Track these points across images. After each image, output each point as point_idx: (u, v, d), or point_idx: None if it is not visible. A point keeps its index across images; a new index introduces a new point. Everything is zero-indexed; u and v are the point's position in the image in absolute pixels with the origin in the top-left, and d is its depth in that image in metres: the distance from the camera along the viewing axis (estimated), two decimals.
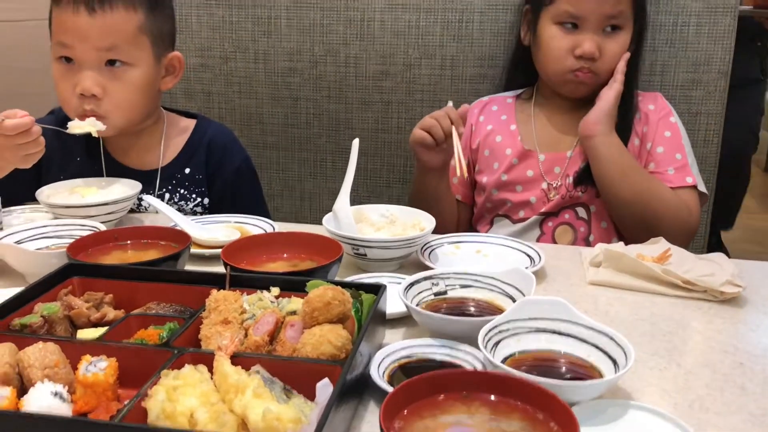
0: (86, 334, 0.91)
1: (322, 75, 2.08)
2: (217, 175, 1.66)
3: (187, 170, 1.63)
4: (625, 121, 1.61)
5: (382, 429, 0.65)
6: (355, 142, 1.32)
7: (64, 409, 0.74)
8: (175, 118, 1.70)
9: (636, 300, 1.15)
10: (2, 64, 1.91)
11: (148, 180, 1.56)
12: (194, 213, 1.62)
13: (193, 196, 1.62)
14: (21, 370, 0.79)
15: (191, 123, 1.70)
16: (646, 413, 0.80)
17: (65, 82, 1.47)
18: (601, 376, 0.85)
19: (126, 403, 0.73)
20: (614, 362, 0.85)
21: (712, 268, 1.20)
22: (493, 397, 0.74)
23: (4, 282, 1.15)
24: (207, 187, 1.65)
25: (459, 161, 1.40)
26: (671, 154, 1.61)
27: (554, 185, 1.63)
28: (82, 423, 0.70)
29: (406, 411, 0.72)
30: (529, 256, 1.28)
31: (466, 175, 1.44)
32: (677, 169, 1.59)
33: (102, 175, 1.57)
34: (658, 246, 1.29)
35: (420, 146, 1.50)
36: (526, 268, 1.19)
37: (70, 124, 1.43)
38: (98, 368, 0.78)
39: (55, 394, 0.75)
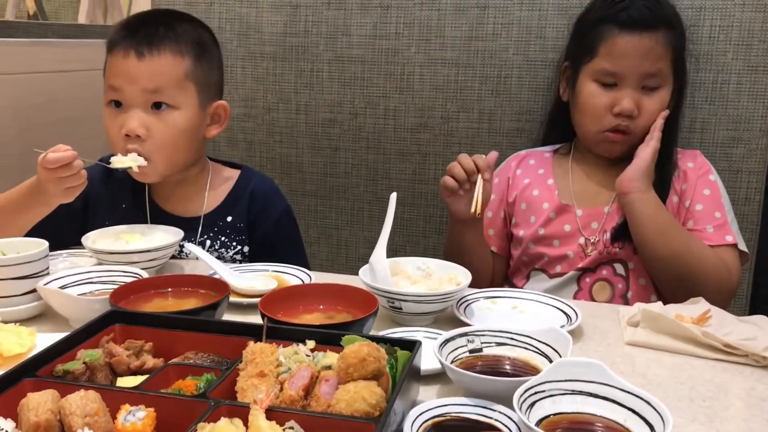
0: (126, 381, 0.93)
1: (362, 126, 2.12)
2: (258, 223, 1.68)
3: (229, 218, 1.65)
4: (663, 177, 1.61)
5: None
6: (393, 195, 1.33)
7: None
8: (219, 168, 1.74)
9: (675, 362, 1.13)
10: (54, 113, 1.99)
11: (190, 227, 1.59)
12: (234, 260, 1.65)
13: (234, 243, 1.65)
14: (62, 418, 0.81)
15: (235, 173, 1.74)
16: None
17: (113, 124, 1.52)
18: None
19: None
20: (651, 428, 0.84)
21: (754, 332, 1.18)
22: None
23: (48, 326, 1.18)
24: (248, 235, 1.67)
25: (476, 201, 1.45)
26: (710, 212, 1.59)
27: (592, 240, 1.63)
28: None
29: None
30: (565, 313, 1.27)
31: (479, 212, 1.47)
32: (716, 227, 1.57)
33: (146, 222, 1.61)
34: (697, 306, 1.27)
35: (446, 191, 1.54)
36: (563, 326, 1.18)
37: (113, 159, 1.48)
38: (137, 417, 0.80)
39: None
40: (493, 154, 1.51)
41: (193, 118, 1.56)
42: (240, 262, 1.61)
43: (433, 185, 2.12)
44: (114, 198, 1.62)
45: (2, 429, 0.78)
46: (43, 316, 1.23)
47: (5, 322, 1.11)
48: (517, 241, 1.73)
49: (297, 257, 1.67)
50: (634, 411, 0.87)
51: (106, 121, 1.55)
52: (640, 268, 1.61)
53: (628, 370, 1.10)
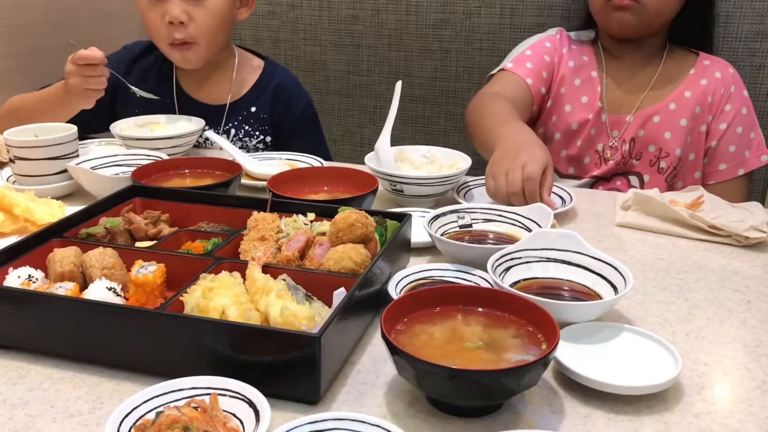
0: (143, 246, 1.03)
1: (384, 23, 2.14)
2: (282, 116, 1.75)
3: (254, 108, 1.72)
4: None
5: (382, 329, 0.74)
6: (398, 84, 1.38)
7: (117, 302, 0.86)
8: (246, 54, 1.79)
9: (659, 242, 1.19)
10: (90, 8, 2.05)
11: (216, 114, 1.67)
12: (257, 149, 1.73)
13: (257, 133, 1.72)
14: (84, 270, 0.92)
15: (260, 63, 1.79)
16: (639, 337, 0.86)
17: (153, 13, 1.57)
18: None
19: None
20: (616, 290, 0.91)
21: (743, 215, 1.22)
22: (488, 311, 0.81)
23: (78, 202, 1.29)
24: (271, 127, 1.75)
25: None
26: (746, 133, 1.60)
27: (611, 145, 1.64)
28: (127, 309, 0.82)
29: (406, 318, 0.80)
30: (561, 198, 1.33)
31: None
32: (753, 149, 1.59)
33: (173, 108, 1.69)
34: (693, 193, 1.31)
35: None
36: (557, 208, 1.24)
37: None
38: (148, 270, 0.90)
39: (110, 289, 0.87)
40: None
41: (228, 1, 1.61)
42: (263, 152, 1.69)
43: (454, 82, 2.15)
44: (141, 87, 1.71)
45: (35, 278, 0.90)
46: (73, 195, 1.35)
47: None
48: (543, 123, 1.70)
49: (320, 150, 1.75)
50: (601, 276, 0.94)
51: (145, 14, 1.59)
52: (656, 182, 1.62)
53: (613, 247, 1.17)
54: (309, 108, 1.82)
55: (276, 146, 1.76)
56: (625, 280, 0.91)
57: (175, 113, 1.67)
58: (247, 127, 1.72)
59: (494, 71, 1.72)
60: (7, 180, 1.35)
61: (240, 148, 1.68)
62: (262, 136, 1.74)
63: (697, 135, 1.61)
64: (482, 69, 2.02)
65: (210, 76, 1.71)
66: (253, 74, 1.76)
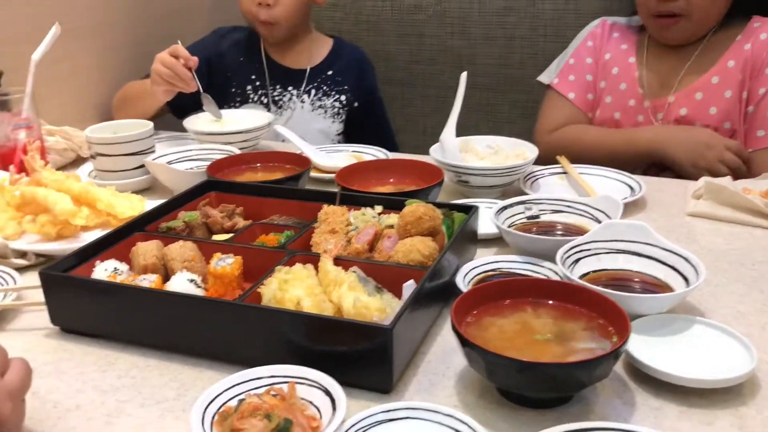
0: (219, 238, 1.07)
1: (447, 11, 2.14)
2: (355, 82, 1.91)
3: (330, 72, 1.90)
4: None
5: (452, 321, 0.76)
6: (463, 75, 1.38)
7: (197, 293, 0.91)
8: (318, 33, 1.99)
9: (733, 231, 1.16)
10: (166, 4, 2.11)
11: (298, 77, 1.87)
12: (333, 107, 1.88)
13: (333, 93, 1.89)
14: (165, 262, 0.96)
15: (330, 40, 1.99)
16: (712, 329, 0.85)
17: None
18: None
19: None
20: (687, 281, 0.90)
21: None
22: (558, 303, 0.82)
23: (155, 195, 1.34)
24: (345, 89, 1.90)
25: None
26: None
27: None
28: (209, 301, 0.86)
29: (476, 311, 0.82)
30: (630, 187, 1.31)
31: None
32: None
33: (263, 72, 1.87)
34: (767, 181, 1.28)
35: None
36: (625, 198, 1.23)
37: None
38: (226, 263, 0.94)
39: (191, 281, 0.92)
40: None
41: None
42: (339, 111, 1.88)
43: (518, 69, 2.14)
44: (233, 55, 1.87)
45: (120, 270, 0.95)
46: (151, 189, 1.41)
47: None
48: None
49: (387, 127, 1.97)
50: (673, 267, 0.93)
51: None
52: None
53: (684, 237, 1.15)
54: (376, 85, 2.01)
55: (349, 107, 1.90)
56: (696, 271, 0.90)
57: (264, 76, 1.87)
58: (324, 88, 1.89)
59: (542, 78, 1.80)
60: (89, 175, 1.42)
61: (318, 107, 1.87)
62: (338, 96, 1.90)
63: (741, 102, 1.55)
64: (547, 55, 2.00)
65: (292, 47, 1.90)
66: (327, 45, 1.95)
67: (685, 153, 1.47)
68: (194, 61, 1.55)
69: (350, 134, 1.92)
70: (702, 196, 1.25)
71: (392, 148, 1.74)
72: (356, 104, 1.91)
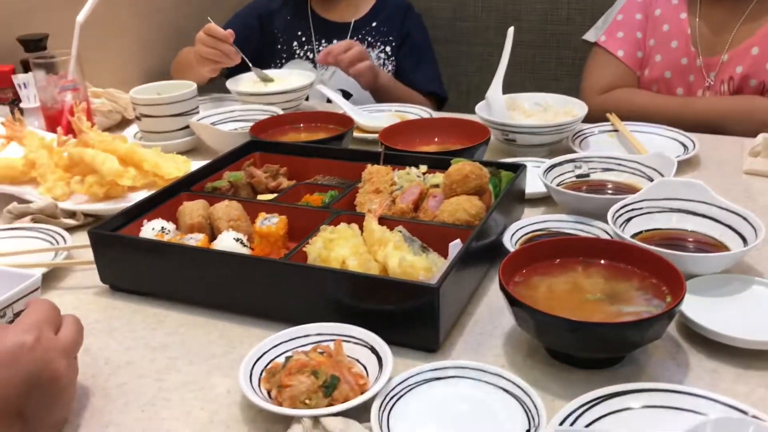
0: (264, 198, 1.07)
1: None
2: (399, 31, 1.88)
3: (374, 23, 1.88)
4: None
5: (500, 281, 0.74)
6: (510, 30, 1.34)
7: (244, 252, 0.91)
8: None
9: None
10: None
11: (342, 31, 1.86)
12: (378, 59, 1.86)
13: (378, 44, 1.87)
14: (211, 222, 0.97)
15: None
16: (765, 288, 0.82)
17: None
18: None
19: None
20: (745, 241, 0.87)
21: None
22: (609, 263, 0.80)
23: (200, 156, 1.35)
24: (389, 38, 1.87)
25: None
26: None
27: (707, 85, 1.54)
28: (255, 259, 0.86)
29: (525, 270, 0.80)
30: (683, 145, 1.27)
31: None
32: None
33: (309, 27, 1.87)
34: None
35: None
36: (678, 156, 1.19)
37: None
38: (271, 222, 0.94)
39: (237, 239, 0.92)
40: None
41: None
42: (384, 62, 1.85)
43: (565, 26, 2.08)
44: (282, 12, 1.90)
45: (167, 229, 0.95)
46: (195, 150, 1.41)
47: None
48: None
49: (436, 74, 1.91)
50: (730, 227, 0.90)
51: None
52: None
53: (741, 196, 1.11)
54: (423, 27, 1.96)
55: (395, 56, 1.87)
56: (755, 230, 0.86)
57: (310, 31, 1.87)
58: (369, 39, 1.87)
59: (588, 36, 1.73)
60: (135, 137, 1.43)
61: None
62: (382, 46, 1.88)
63: None
64: (594, 10, 1.93)
65: (337, 3, 1.90)
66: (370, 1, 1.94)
67: (744, 130, 1.39)
68: (231, 34, 1.54)
69: (401, 58, 1.89)
70: (760, 153, 1.20)
71: (442, 94, 1.80)
72: (402, 51, 1.88)
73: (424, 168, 1.06)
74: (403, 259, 0.80)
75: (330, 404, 0.66)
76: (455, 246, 0.84)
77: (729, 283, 0.83)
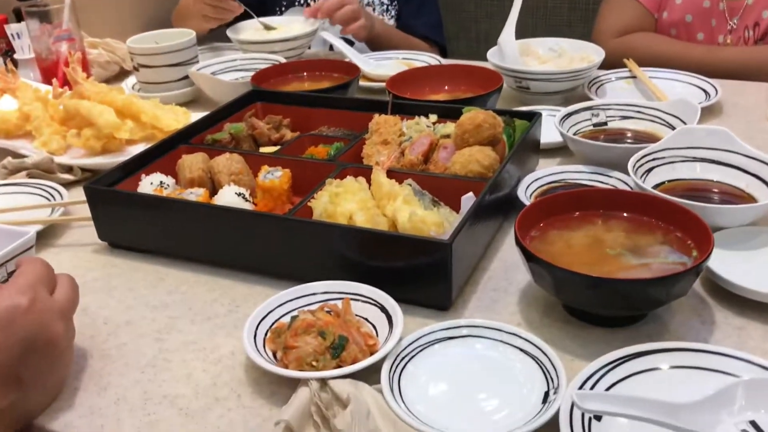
0: (267, 151, 1.03)
1: None
2: None
3: None
4: None
5: (516, 235, 0.70)
6: None
7: (246, 207, 0.87)
8: None
9: None
10: None
11: None
12: (382, 5, 1.78)
13: None
14: (212, 175, 0.93)
15: None
16: None
17: None
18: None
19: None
20: None
21: None
22: (630, 216, 0.76)
23: (201, 108, 1.30)
24: None
25: None
26: None
27: (729, 29, 1.47)
28: (258, 215, 0.82)
29: (542, 224, 0.76)
30: (705, 91, 1.21)
31: None
32: None
33: None
34: None
35: None
36: (700, 103, 1.14)
37: None
38: (275, 176, 0.90)
39: (239, 194, 0.88)
40: None
41: None
42: (388, 7, 1.77)
43: None
44: None
45: (166, 184, 0.91)
46: (195, 101, 1.36)
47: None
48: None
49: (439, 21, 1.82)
50: (757, 176, 0.86)
51: None
52: None
53: (766, 144, 1.06)
54: None
55: (398, 1, 1.80)
56: None
57: None
58: None
59: None
60: (133, 88, 1.38)
61: (366, 5, 1.75)
62: None
63: None
64: None
65: None
66: None
67: None
68: None
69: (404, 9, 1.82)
70: None
71: (441, 41, 1.75)
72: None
73: (434, 117, 1.01)
74: (414, 213, 0.76)
75: (338, 366, 0.63)
76: (468, 199, 0.80)
77: (756, 236, 0.79)
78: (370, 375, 0.63)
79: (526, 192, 0.91)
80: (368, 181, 0.86)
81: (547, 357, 0.64)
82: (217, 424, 0.62)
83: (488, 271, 0.80)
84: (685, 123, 0.98)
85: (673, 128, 0.98)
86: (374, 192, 0.84)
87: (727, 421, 0.55)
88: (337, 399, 0.59)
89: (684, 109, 1.00)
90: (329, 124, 1.08)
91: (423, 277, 0.73)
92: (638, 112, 1.04)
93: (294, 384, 0.63)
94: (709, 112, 1.16)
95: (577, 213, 0.77)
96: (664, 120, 1.01)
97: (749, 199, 0.84)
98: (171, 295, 0.80)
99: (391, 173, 0.87)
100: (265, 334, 0.69)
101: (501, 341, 0.67)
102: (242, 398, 0.65)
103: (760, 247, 0.78)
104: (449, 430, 0.58)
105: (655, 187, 0.87)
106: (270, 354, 0.67)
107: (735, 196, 0.85)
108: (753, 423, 0.55)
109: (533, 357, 0.65)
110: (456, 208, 0.83)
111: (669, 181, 0.88)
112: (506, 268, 0.81)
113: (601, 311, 0.69)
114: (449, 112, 1.01)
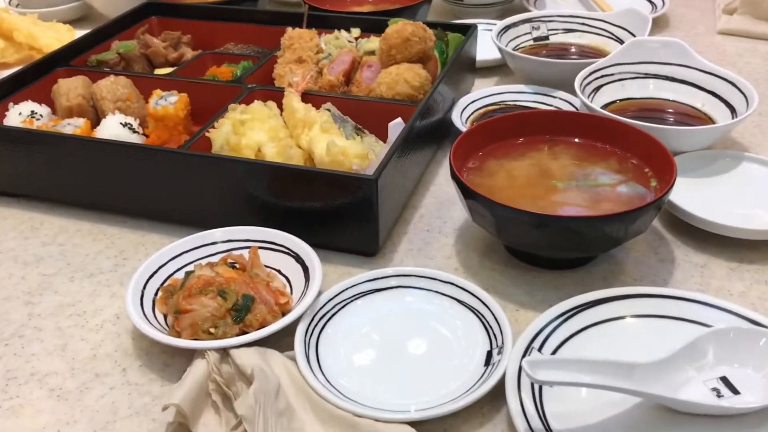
0: (162, 72, 0.89)
1: None
2: None
3: None
4: None
5: (451, 167, 0.60)
6: None
7: (134, 140, 0.74)
8: None
9: None
10: None
11: None
12: None
13: None
14: (95, 103, 0.78)
15: None
16: (762, 167, 0.70)
17: None
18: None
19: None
20: (733, 111, 0.74)
21: None
22: (580, 141, 0.66)
23: (89, 26, 1.13)
24: None
25: None
26: None
27: None
28: (148, 149, 0.69)
29: (481, 153, 0.66)
30: (651, 2, 1.12)
31: None
32: None
33: None
34: None
35: None
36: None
37: None
38: (169, 102, 0.77)
39: (125, 125, 0.74)
40: None
41: None
42: None
43: None
44: None
45: (38, 114, 0.77)
46: (84, 19, 1.19)
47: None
48: None
49: None
50: (714, 94, 0.77)
51: None
52: None
53: (717, 59, 0.97)
54: None
55: None
56: (746, 98, 0.74)
57: None
58: None
59: None
60: (10, 3, 1.19)
61: None
62: None
63: None
64: None
65: None
66: None
67: None
68: None
69: None
70: (736, 10, 1.06)
71: None
72: None
73: (356, 32, 0.89)
74: (333, 143, 0.64)
75: (242, 332, 0.53)
76: (396, 126, 0.69)
77: (714, 160, 0.71)
78: (282, 339, 0.53)
79: (462, 116, 0.80)
80: (280, 106, 0.74)
81: (489, 309, 0.55)
82: (96, 407, 0.51)
83: (420, 209, 0.70)
84: (634, 35, 0.88)
85: (622, 42, 0.89)
86: (287, 119, 0.72)
87: (696, 378, 0.48)
88: (241, 373, 0.49)
89: (633, 20, 0.90)
90: (236, 40, 0.95)
91: (345, 219, 0.62)
92: (583, 24, 0.94)
93: (189, 354, 0.52)
94: (654, 26, 1.06)
95: (521, 139, 0.67)
96: (611, 33, 0.92)
97: (706, 119, 0.76)
98: (46, 248, 0.67)
99: (306, 96, 0.75)
100: (155, 294, 0.57)
101: (435, 291, 0.58)
102: (128, 373, 0.54)
103: (719, 173, 0.70)
104: (375, 404, 0.48)
105: (605, 107, 0.78)
106: (161, 318, 0.56)
107: (691, 117, 0.77)
108: (724, 379, 0.48)
109: (473, 309, 0.55)
110: (383, 136, 0.72)
111: (620, 100, 0.80)
112: (440, 205, 0.71)
113: (551, 254, 0.61)
114: (374, 25, 0.89)
